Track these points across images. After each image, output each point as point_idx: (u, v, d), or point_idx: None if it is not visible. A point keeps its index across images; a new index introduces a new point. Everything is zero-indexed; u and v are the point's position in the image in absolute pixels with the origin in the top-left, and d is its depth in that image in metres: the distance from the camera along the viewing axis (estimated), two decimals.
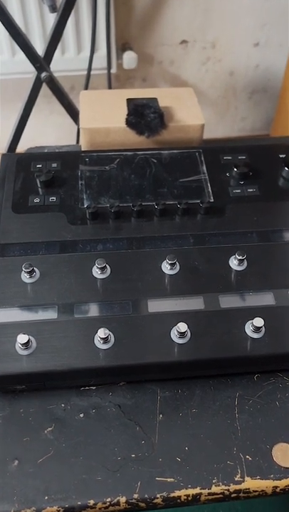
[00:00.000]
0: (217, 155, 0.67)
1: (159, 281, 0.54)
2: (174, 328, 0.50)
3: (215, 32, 1.34)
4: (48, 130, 1.48)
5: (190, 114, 0.75)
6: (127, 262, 0.55)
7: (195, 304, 0.52)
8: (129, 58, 1.30)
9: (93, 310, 0.51)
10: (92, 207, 0.59)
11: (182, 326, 0.49)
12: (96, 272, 0.54)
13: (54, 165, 0.65)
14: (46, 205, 0.61)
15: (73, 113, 1.02)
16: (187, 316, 0.51)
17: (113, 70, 1.28)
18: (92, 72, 1.21)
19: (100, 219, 0.59)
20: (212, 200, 0.62)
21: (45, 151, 0.84)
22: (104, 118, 0.73)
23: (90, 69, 1.09)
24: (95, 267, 0.54)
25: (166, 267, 0.55)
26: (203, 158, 0.67)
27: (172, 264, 0.54)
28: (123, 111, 0.74)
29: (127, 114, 0.71)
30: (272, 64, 1.42)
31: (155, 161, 0.66)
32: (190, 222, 0.59)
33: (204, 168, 0.66)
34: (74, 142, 1.22)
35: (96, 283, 0.53)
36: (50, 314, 0.51)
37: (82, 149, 0.76)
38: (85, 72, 1.13)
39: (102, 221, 0.59)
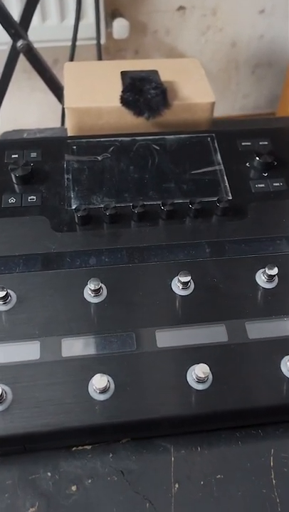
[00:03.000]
0: (233, 140, 0.55)
1: (169, 305, 0.42)
2: (191, 370, 0.38)
3: None
4: (30, 109, 1.33)
5: (197, 90, 0.63)
6: (127, 280, 0.44)
7: (216, 334, 0.41)
8: (120, 26, 1.15)
9: (86, 346, 0.40)
10: (81, 209, 0.46)
11: (202, 369, 0.38)
12: (89, 295, 0.42)
13: (33, 155, 0.52)
14: (24, 206, 0.48)
15: (57, 89, 0.88)
16: (207, 352, 0.40)
17: (102, 41, 1.13)
18: (78, 43, 1.07)
19: (92, 224, 0.47)
20: (230, 198, 0.50)
21: (24, 136, 0.70)
22: (94, 95, 0.61)
23: (75, 39, 0.94)
24: (87, 288, 0.42)
25: (177, 286, 0.43)
26: (216, 145, 0.55)
27: (185, 283, 0.43)
28: (117, 86, 0.61)
29: (122, 91, 0.59)
30: (279, 34, 1.28)
31: (158, 148, 0.54)
32: (205, 227, 0.48)
33: (219, 156, 0.53)
34: (59, 124, 1.08)
35: (89, 309, 0.42)
36: (31, 353, 0.39)
37: (69, 134, 0.63)
38: (70, 43, 0.99)
39: (94, 227, 0.47)
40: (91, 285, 0.42)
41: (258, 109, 1.46)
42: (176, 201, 0.49)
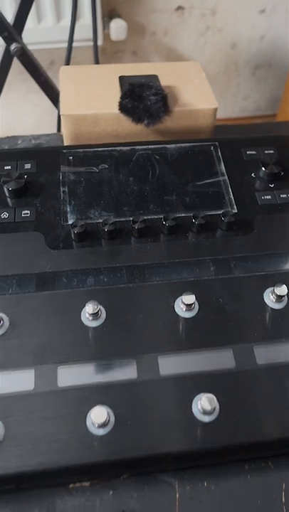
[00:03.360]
0: (238, 149, 0.53)
1: (172, 329, 0.40)
2: (197, 400, 0.36)
3: None
4: (27, 112, 1.30)
5: (199, 96, 0.60)
6: (127, 302, 0.41)
7: (222, 360, 0.38)
8: (118, 27, 1.12)
9: (84, 375, 0.37)
10: (78, 224, 0.44)
11: (209, 401, 0.35)
12: (87, 318, 0.40)
13: (27, 166, 0.49)
14: (17, 221, 0.45)
15: (52, 93, 0.85)
16: (213, 379, 0.37)
17: (99, 42, 1.10)
18: (74, 45, 1.04)
19: (89, 240, 0.44)
20: (236, 211, 0.47)
21: (19, 142, 0.68)
22: (91, 101, 0.58)
23: (71, 40, 0.91)
24: (84, 311, 0.40)
25: (180, 308, 0.40)
26: (220, 154, 0.52)
27: (189, 305, 0.40)
28: (115, 92, 0.58)
29: (121, 97, 0.56)
30: (280, 35, 1.25)
31: (159, 158, 0.51)
32: (209, 242, 0.45)
33: (223, 166, 0.51)
34: (55, 127, 1.05)
35: (87, 333, 0.39)
36: (24, 383, 0.37)
37: (65, 141, 0.60)
38: (66, 45, 0.96)
39: (92, 243, 0.44)
40: (89, 308, 0.39)
41: (259, 111, 1.43)
42: (178, 215, 0.46)
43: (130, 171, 0.50)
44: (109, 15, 1.14)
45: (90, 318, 0.39)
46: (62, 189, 0.48)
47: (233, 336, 0.40)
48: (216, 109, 0.59)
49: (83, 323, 0.40)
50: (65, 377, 0.37)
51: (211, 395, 0.35)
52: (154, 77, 0.59)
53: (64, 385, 0.36)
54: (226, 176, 0.50)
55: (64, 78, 0.62)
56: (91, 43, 1.04)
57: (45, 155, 0.51)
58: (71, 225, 0.44)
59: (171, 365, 0.38)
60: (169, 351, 0.39)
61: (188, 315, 0.40)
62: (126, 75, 0.61)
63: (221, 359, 0.38)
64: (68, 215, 0.46)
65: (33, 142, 0.69)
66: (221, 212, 0.46)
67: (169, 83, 0.61)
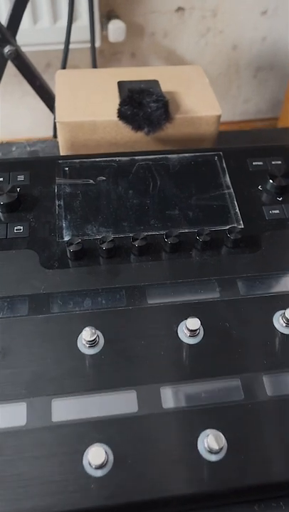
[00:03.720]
0: (243, 159, 0.50)
1: (175, 356, 0.37)
2: (203, 437, 0.33)
3: None
4: (22, 115, 1.27)
5: (202, 102, 0.57)
6: (127, 327, 0.38)
7: (230, 391, 0.36)
8: (116, 29, 1.09)
9: (81, 408, 0.34)
10: (75, 242, 0.41)
11: (216, 439, 0.32)
12: (83, 345, 0.37)
13: (20, 178, 0.47)
14: (9, 238, 0.43)
15: (48, 98, 0.82)
16: (220, 412, 0.34)
17: (96, 43, 1.07)
18: (71, 46, 1.01)
19: (86, 259, 0.42)
20: (242, 227, 0.44)
21: (13, 149, 0.65)
22: (88, 108, 0.55)
23: (68, 42, 0.88)
24: (81, 338, 0.37)
25: (184, 333, 0.38)
26: (225, 165, 0.49)
27: (194, 331, 0.37)
28: (114, 98, 0.55)
29: (120, 104, 0.53)
30: (282, 36, 1.23)
31: (160, 169, 0.48)
32: (214, 261, 0.42)
33: (228, 178, 0.48)
34: (51, 132, 1.02)
35: (84, 362, 0.36)
36: (16, 418, 0.34)
37: (60, 149, 0.57)
38: (63, 46, 0.93)
39: (89, 262, 0.42)
40: (86, 334, 0.36)
41: (260, 114, 1.40)
42: (181, 231, 0.43)
43: (130, 184, 0.47)
44: (108, 16, 1.11)
45: (87, 345, 0.37)
46: (57, 203, 0.45)
47: (241, 364, 0.37)
48: (219, 116, 0.57)
49: (80, 351, 0.37)
50: (59, 411, 0.34)
51: (218, 433, 0.33)
52: (155, 83, 0.57)
53: (59, 420, 0.34)
54: (232, 189, 0.47)
55: (60, 83, 0.59)
56: (88, 45, 1.01)
57: (39, 166, 0.48)
58: (67, 242, 0.41)
59: (174, 397, 0.35)
60: (172, 381, 0.36)
61: (192, 341, 0.38)
62: (125, 79, 0.58)
63: (228, 390, 0.36)
64: (64, 231, 0.43)
65: (27, 149, 0.66)
66: (226, 228, 0.44)
67: (170, 88, 0.58)
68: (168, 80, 0.59)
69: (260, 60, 1.27)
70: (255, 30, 1.20)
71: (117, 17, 1.11)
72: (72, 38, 0.98)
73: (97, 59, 1.03)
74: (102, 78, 0.60)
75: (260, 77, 1.31)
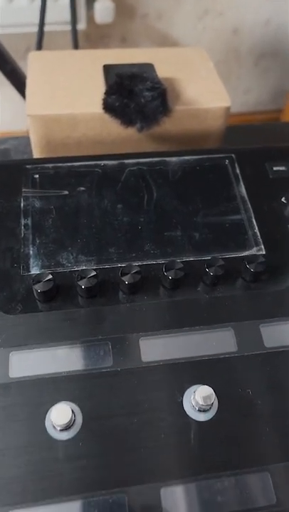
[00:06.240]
0: (261, 163, 0.40)
1: (179, 440, 0.27)
2: None
3: None
4: None
5: (207, 91, 0.47)
6: (113, 396, 0.28)
7: (259, 490, 0.26)
8: (104, 9, 0.98)
9: None
10: (44, 278, 0.30)
11: None
12: (53, 428, 0.27)
13: None
14: None
15: (22, 85, 0.71)
16: None
17: (81, 26, 0.96)
18: (52, 28, 0.90)
19: (60, 300, 0.31)
20: (264, 253, 0.34)
21: None
22: (67, 98, 0.44)
23: (42, 21, 0.77)
24: (49, 419, 0.27)
25: (192, 406, 0.28)
26: (238, 170, 0.39)
27: (206, 403, 0.27)
28: (98, 85, 0.45)
29: (106, 92, 0.42)
30: (286, 20, 1.12)
31: (157, 176, 0.38)
32: (229, 300, 0.32)
33: (242, 188, 0.38)
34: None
35: (55, 452, 0.26)
36: None
37: (33, 150, 0.47)
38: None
39: (64, 304, 0.31)
40: (57, 413, 0.26)
41: (261, 105, 1.30)
42: (185, 259, 0.33)
43: (118, 196, 0.36)
44: None
45: (59, 428, 0.26)
46: (23, 222, 0.34)
47: (270, 453, 0.27)
48: (228, 109, 0.46)
49: (49, 435, 0.27)
50: None
51: None
52: (150, 67, 0.46)
53: None
54: (248, 202, 0.37)
55: (33, 67, 0.49)
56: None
57: (1, 173, 0.37)
58: (34, 278, 0.31)
59: (179, 501, 0.25)
60: (175, 479, 0.26)
61: (203, 417, 0.28)
62: (112, 63, 0.47)
63: (256, 489, 0.26)
64: (31, 261, 0.33)
65: None
66: (243, 254, 0.34)
67: (168, 74, 0.48)
68: (165, 64, 0.49)
69: (263, 45, 1.16)
70: (258, 13, 1.09)
71: None
72: (53, 18, 0.87)
73: (82, 43, 0.92)
74: (84, 61, 0.50)
75: (262, 65, 1.21)
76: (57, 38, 0.94)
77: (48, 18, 0.84)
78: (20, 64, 0.78)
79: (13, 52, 0.78)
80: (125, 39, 1.10)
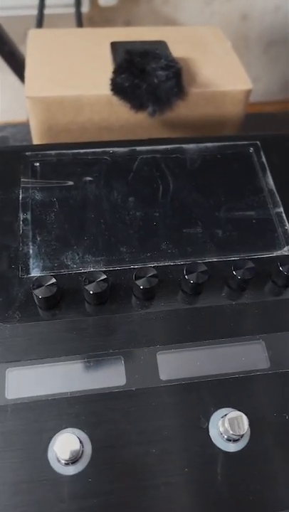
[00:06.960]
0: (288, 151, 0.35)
1: (206, 478, 0.23)
2: None
3: None
4: None
5: (226, 72, 0.42)
6: (128, 421, 0.24)
7: None
8: None
9: None
10: (46, 282, 0.26)
11: None
12: (57, 461, 0.23)
13: None
14: None
15: (20, 68, 0.66)
16: None
17: (84, 8, 0.91)
18: (54, 11, 0.85)
19: (64, 307, 0.27)
20: None
21: None
22: (70, 79, 0.40)
23: (42, 3, 0.72)
24: (53, 448, 0.23)
25: (220, 434, 0.24)
26: (264, 159, 0.35)
27: (237, 432, 0.23)
28: (106, 65, 0.40)
29: (114, 71, 0.38)
30: None
31: (173, 165, 0.34)
32: (259, 308, 0.28)
33: (269, 179, 0.33)
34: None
35: (60, 490, 0.22)
36: None
37: (33, 137, 0.42)
38: (45, 11, 0.77)
39: (69, 311, 0.27)
40: (61, 447, 0.22)
41: (270, 95, 1.25)
42: (207, 260, 0.29)
43: (129, 187, 0.32)
44: None
45: (63, 462, 0.22)
46: (22, 216, 0.30)
47: None
48: (249, 92, 0.42)
49: (52, 469, 0.23)
50: None
51: None
52: (162, 44, 0.41)
53: None
54: (276, 194, 0.33)
55: (33, 46, 0.44)
56: (74, 9, 0.84)
57: None
58: (34, 282, 0.26)
59: None
60: None
61: (232, 447, 0.24)
62: (120, 40, 0.43)
63: None
64: (31, 261, 0.28)
65: None
66: (274, 254, 0.29)
67: (182, 54, 0.43)
68: (178, 43, 0.44)
69: (273, 32, 1.11)
70: None
71: None
72: (55, 2, 0.83)
73: (84, 27, 0.87)
74: (89, 40, 0.45)
75: (272, 52, 1.16)
76: (58, 20, 0.89)
77: (48, 0, 0.80)
78: (20, 48, 0.73)
79: (11, 36, 0.73)
80: (130, 23, 1.05)
